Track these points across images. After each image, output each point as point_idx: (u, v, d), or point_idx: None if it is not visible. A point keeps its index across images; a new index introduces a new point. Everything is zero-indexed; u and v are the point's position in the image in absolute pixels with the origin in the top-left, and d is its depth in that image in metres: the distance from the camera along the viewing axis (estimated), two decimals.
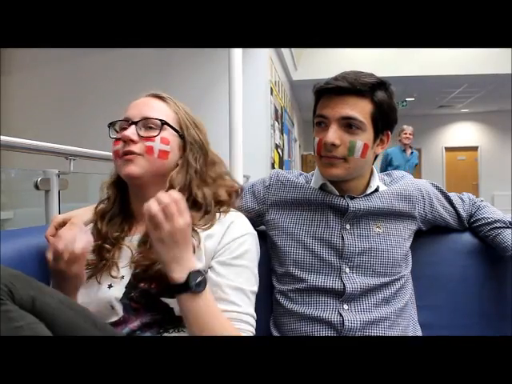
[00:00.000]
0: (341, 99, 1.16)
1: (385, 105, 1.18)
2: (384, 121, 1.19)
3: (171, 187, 1.05)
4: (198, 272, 0.93)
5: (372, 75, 1.19)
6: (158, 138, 1.07)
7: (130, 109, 1.11)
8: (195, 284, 0.92)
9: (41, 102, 5.86)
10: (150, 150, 1.07)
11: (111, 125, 1.13)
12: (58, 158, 1.97)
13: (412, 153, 6.49)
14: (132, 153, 1.06)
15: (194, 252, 1.04)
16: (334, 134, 1.15)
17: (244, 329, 1.01)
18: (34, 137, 1.76)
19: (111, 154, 1.12)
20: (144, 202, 1.00)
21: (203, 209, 1.09)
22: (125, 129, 1.09)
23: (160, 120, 1.09)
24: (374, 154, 1.24)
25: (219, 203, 1.12)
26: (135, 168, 1.06)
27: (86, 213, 1.16)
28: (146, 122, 1.08)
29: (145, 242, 1.06)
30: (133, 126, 1.07)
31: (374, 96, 1.16)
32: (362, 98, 1.16)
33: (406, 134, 6.32)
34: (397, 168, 5.98)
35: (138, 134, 1.07)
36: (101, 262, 1.06)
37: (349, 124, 1.15)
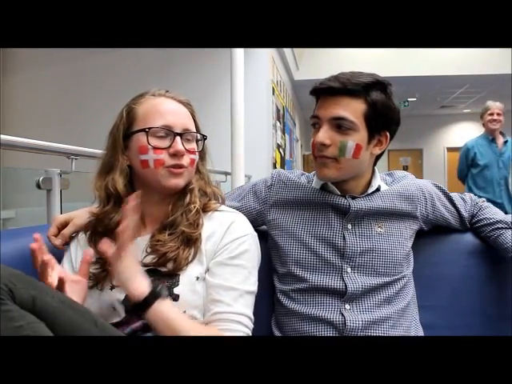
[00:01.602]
0: (333, 100, 1.16)
1: (379, 105, 1.17)
2: (379, 121, 1.18)
3: (193, 188, 1.12)
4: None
5: (370, 75, 1.18)
6: (197, 151, 1.12)
7: (163, 114, 1.08)
8: (160, 289, 0.96)
9: (43, 101, 5.86)
10: (192, 162, 1.11)
11: (149, 129, 1.06)
12: (60, 158, 1.97)
13: (506, 142, 4.17)
14: (183, 167, 1.08)
15: (196, 255, 1.05)
16: (324, 134, 1.16)
17: (234, 329, 1.01)
18: (36, 136, 1.76)
19: (144, 158, 1.06)
20: (158, 205, 1.11)
21: (209, 197, 1.16)
22: (164, 137, 1.07)
23: (202, 135, 1.14)
24: (373, 155, 1.24)
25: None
26: (182, 181, 1.09)
27: (85, 214, 1.16)
28: (186, 134, 1.10)
29: (162, 229, 1.08)
30: (179, 138, 1.07)
31: (368, 96, 1.16)
32: (355, 98, 1.16)
33: (491, 114, 4.07)
34: (485, 168, 4.15)
35: (184, 147, 1.08)
36: (102, 272, 1.06)
37: (339, 124, 1.16)
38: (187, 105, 1.14)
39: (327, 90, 1.17)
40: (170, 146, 1.06)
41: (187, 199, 1.10)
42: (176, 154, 1.06)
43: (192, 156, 1.10)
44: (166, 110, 1.09)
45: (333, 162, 1.18)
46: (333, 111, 1.16)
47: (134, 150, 1.08)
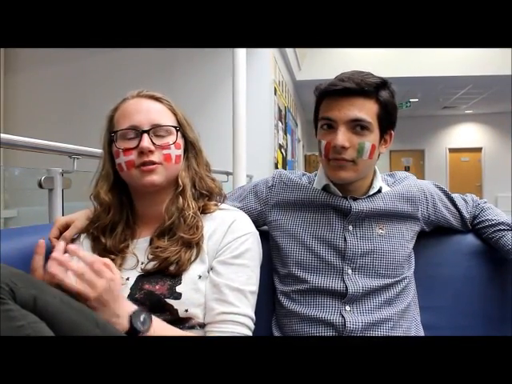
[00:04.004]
0: (347, 101, 1.15)
1: (389, 104, 1.18)
2: (388, 120, 1.20)
3: (184, 188, 1.10)
4: (137, 311, 0.92)
5: (372, 74, 1.18)
6: (172, 145, 1.09)
7: (130, 115, 1.09)
8: (141, 323, 0.91)
9: (45, 101, 5.88)
10: (168, 157, 1.08)
11: (115, 133, 1.09)
12: (62, 157, 1.97)
13: None
14: (153, 163, 1.06)
15: (198, 255, 1.05)
16: (343, 137, 1.14)
17: (237, 332, 1.02)
18: (38, 135, 1.77)
19: (118, 162, 1.09)
20: (154, 205, 1.10)
21: (207, 197, 1.15)
22: (132, 138, 1.07)
23: (174, 127, 1.11)
24: (379, 154, 1.24)
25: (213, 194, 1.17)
26: (157, 177, 1.07)
27: (86, 216, 1.17)
28: (156, 130, 1.08)
29: (160, 235, 1.08)
30: (145, 136, 1.06)
31: (379, 96, 1.16)
32: (368, 99, 1.15)
33: None
34: None
35: (153, 143, 1.06)
36: None
37: (357, 126, 1.15)
38: (163, 100, 1.13)
39: (341, 91, 1.15)
40: (137, 145, 1.06)
41: (180, 202, 1.09)
42: (143, 152, 1.05)
43: (166, 151, 1.08)
44: (133, 111, 1.09)
45: (351, 165, 1.17)
46: (349, 113, 1.14)
47: (114, 156, 1.11)
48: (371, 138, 1.16)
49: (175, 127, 1.11)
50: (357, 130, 1.15)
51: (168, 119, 1.11)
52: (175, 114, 1.13)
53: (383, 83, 1.18)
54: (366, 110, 1.15)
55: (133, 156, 1.06)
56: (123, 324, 0.91)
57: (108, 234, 1.11)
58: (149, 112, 1.09)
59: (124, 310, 0.92)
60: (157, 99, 1.12)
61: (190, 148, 1.15)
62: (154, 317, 0.95)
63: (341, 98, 1.16)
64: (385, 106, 1.17)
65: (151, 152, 1.06)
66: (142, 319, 0.92)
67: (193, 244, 1.06)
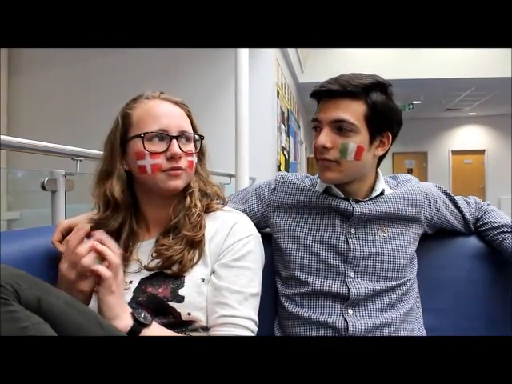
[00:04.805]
0: (333, 102, 1.16)
1: (380, 106, 1.17)
2: (380, 122, 1.18)
3: (193, 191, 1.12)
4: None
5: (371, 76, 1.18)
6: (194, 153, 1.11)
7: (158, 117, 1.07)
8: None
9: (48, 103, 5.89)
10: (191, 164, 1.10)
11: (144, 135, 1.06)
12: (65, 159, 1.97)
13: None
14: (180, 169, 1.07)
15: (201, 257, 1.05)
16: (325, 137, 1.16)
17: (239, 335, 1.01)
18: (41, 137, 1.77)
19: (141, 164, 1.07)
20: (161, 209, 1.11)
21: (210, 198, 1.16)
22: (159, 141, 1.06)
23: (199, 135, 1.13)
24: (376, 156, 1.23)
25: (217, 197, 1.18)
26: (181, 182, 1.08)
27: (88, 220, 1.15)
28: (183, 136, 1.09)
29: (166, 234, 1.08)
30: (175, 141, 1.06)
31: (368, 97, 1.16)
32: (355, 100, 1.16)
33: None
34: None
35: (181, 149, 1.07)
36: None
37: (340, 126, 1.16)
38: (182, 105, 1.13)
39: (327, 93, 1.17)
40: (166, 150, 1.06)
41: (187, 202, 1.10)
42: (173, 157, 1.06)
43: (190, 158, 1.09)
44: (160, 113, 1.08)
45: (335, 165, 1.18)
46: (333, 114, 1.16)
47: (132, 156, 1.08)
48: (357, 140, 1.16)
49: (199, 136, 1.13)
50: (340, 130, 1.16)
51: (189, 126, 1.12)
52: (192, 121, 1.14)
53: (375, 84, 1.17)
54: (350, 111, 1.15)
55: (160, 160, 1.06)
56: (126, 319, 0.93)
57: (114, 239, 1.10)
58: (175, 117, 1.09)
59: (126, 306, 0.96)
60: (178, 104, 1.12)
61: (201, 156, 1.17)
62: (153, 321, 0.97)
63: (328, 100, 1.18)
64: (374, 108, 1.16)
65: (180, 158, 1.07)
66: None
67: (195, 244, 1.06)
